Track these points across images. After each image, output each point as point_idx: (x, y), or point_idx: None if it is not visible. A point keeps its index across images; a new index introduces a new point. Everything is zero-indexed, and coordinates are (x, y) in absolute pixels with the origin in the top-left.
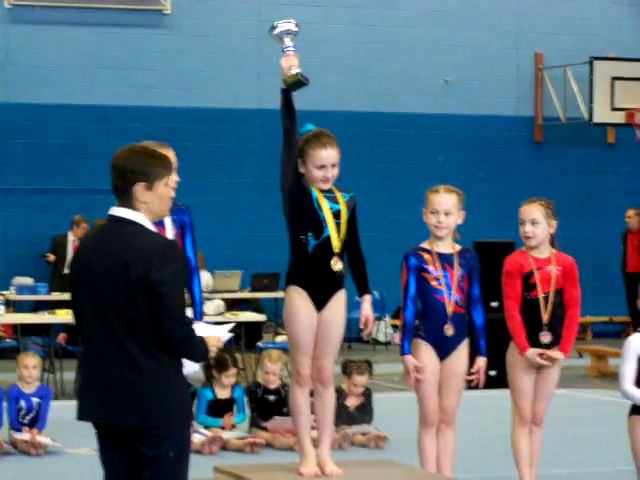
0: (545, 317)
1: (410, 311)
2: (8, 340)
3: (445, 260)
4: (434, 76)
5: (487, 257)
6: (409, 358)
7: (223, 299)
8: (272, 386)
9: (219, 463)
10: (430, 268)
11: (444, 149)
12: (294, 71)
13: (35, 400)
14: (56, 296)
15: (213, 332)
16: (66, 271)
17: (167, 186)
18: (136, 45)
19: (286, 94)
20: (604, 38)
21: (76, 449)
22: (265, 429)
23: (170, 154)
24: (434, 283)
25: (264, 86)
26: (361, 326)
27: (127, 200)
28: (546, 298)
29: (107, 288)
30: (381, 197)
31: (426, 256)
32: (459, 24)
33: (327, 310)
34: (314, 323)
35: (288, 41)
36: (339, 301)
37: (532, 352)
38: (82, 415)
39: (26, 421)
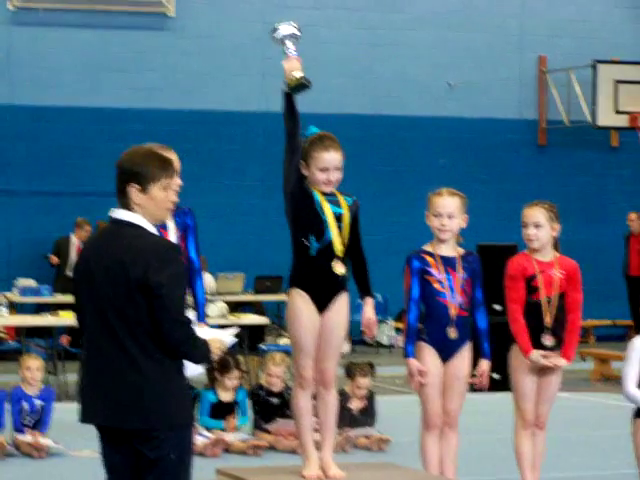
0: (547, 320)
1: (413, 314)
2: (11, 342)
3: (448, 263)
4: (437, 79)
5: (490, 260)
6: (413, 361)
7: (226, 302)
8: (275, 389)
9: (222, 465)
10: (433, 271)
11: (447, 152)
12: (297, 74)
13: (38, 402)
14: (59, 298)
15: (216, 335)
16: (69, 273)
17: (166, 190)
18: (140, 47)
19: (289, 97)
20: (608, 41)
21: (79, 451)
22: (268, 432)
23: (172, 156)
24: (437, 286)
25: (268, 89)
26: (363, 329)
27: (126, 202)
28: (549, 301)
29: (107, 289)
30: (384, 200)
31: (429, 259)
32: (462, 27)
33: (329, 313)
34: (317, 326)
35: (290, 44)
36: (341, 304)
37: (536, 354)
38: (84, 418)
39: (29, 423)
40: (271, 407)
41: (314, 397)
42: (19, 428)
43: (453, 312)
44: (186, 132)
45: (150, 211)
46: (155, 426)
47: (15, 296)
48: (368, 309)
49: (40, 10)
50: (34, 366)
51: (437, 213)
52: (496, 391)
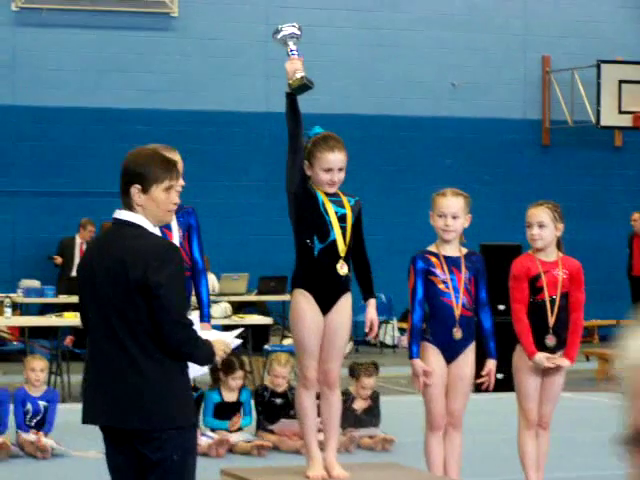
0: (551, 320)
1: (418, 314)
2: (15, 343)
3: (452, 263)
4: (441, 79)
5: (494, 260)
6: (418, 362)
7: (230, 302)
8: (280, 389)
9: (226, 466)
10: (437, 271)
11: (451, 152)
12: (299, 75)
13: (42, 403)
14: (63, 299)
15: (220, 337)
16: (73, 274)
17: (168, 191)
18: (143, 48)
19: (291, 98)
20: (611, 41)
21: (83, 452)
22: (272, 432)
23: (176, 157)
24: (441, 286)
25: (271, 89)
26: (366, 330)
27: (127, 202)
28: (552, 301)
29: (108, 290)
30: (387, 200)
31: (433, 259)
32: (466, 27)
33: (333, 313)
34: (320, 326)
35: (292, 45)
36: (345, 304)
37: (540, 357)
38: (86, 418)
39: (33, 424)
40: (275, 407)
41: (318, 397)
42: (23, 429)
43: (457, 312)
44: (189, 132)
45: (152, 212)
46: (156, 427)
47: (19, 297)
48: (371, 310)
49: (43, 11)
50: (38, 367)
51: (441, 213)
52: (500, 391)
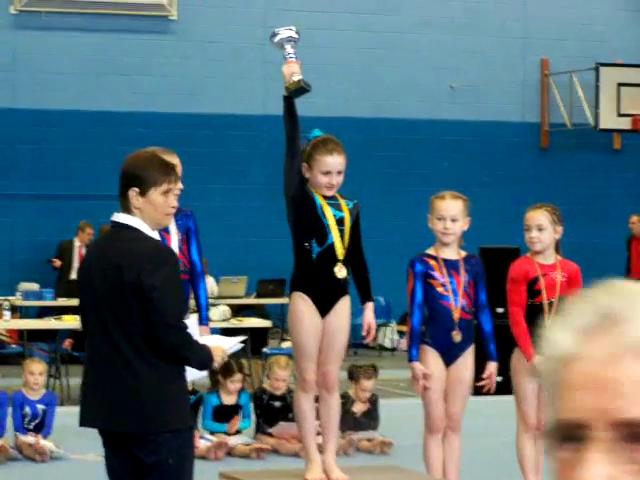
0: (549, 323)
1: (417, 317)
2: (14, 346)
3: (451, 266)
4: (439, 82)
5: (493, 263)
6: (417, 365)
7: (229, 305)
8: (279, 392)
9: (225, 469)
10: (436, 274)
11: (449, 155)
12: (296, 78)
13: (40, 407)
14: (62, 302)
15: (219, 343)
16: (72, 277)
17: (166, 195)
18: (142, 51)
19: (288, 101)
20: (610, 44)
21: (82, 455)
22: (271, 435)
23: (175, 160)
24: (440, 289)
25: (270, 92)
26: (364, 333)
27: (126, 205)
28: (550, 304)
29: (104, 292)
30: (386, 203)
31: (432, 262)
32: (465, 30)
33: (331, 316)
34: (319, 329)
35: (289, 48)
36: (343, 307)
37: (538, 360)
38: (84, 421)
39: (31, 427)
40: (274, 410)
41: (317, 400)
42: (21, 432)
43: (456, 315)
44: (188, 135)
45: (150, 215)
46: (151, 430)
47: (18, 300)
48: (368, 313)
49: (42, 14)
50: (37, 370)
51: (440, 216)
52: (499, 394)
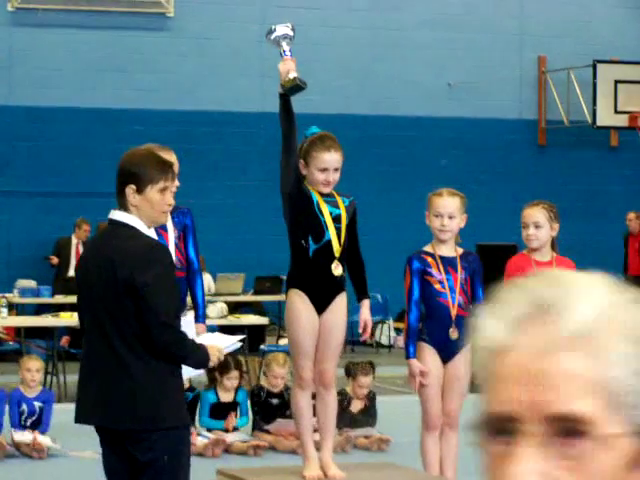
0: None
1: (414, 315)
2: (11, 343)
3: (448, 263)
4: (437, 79)
5: (490, 260)
6: (415, 362)
7: (226, 302)
8: (276, 389)
9: (222, 466)
10: (433, 271)
11: (447, 152)
12: (292, 75)
13: (37, 404)
14: (59, 299)
15: (216, 341)
16: (69, 274)
17: (162, 192)
18: (139, 48)
19: (285, 98)
20: (607, 41)
21: (79, 452)
22: (268, 432)
23: (172, 158)
24: (437, 286)
25: (267, 89)
26: (360, 330)
27: (123, 202)
28: None
29: (99, 289)
30: (384, 200)
31: (429, 259)
32: (462, 27)
33: (328, 313)
34: (315, 326)
35: (285, 45)
36: (340, 304)
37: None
38: (79, 418)
39: (28, 424)
40: (271, 408)
41: (314, 397)
42: (18, 430)
43: (453, 312)
44: (185, 132)
45: (146, 213)
46: (146, 427)
47: (15, 297)
48: (364, 310)
49: (39, 11)
50: (34, 368)
51: (437, 213)
52: None
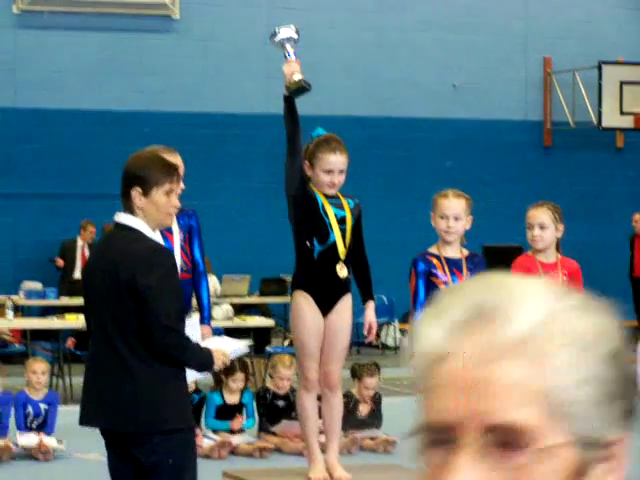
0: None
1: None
2: (17, 345)
3: (453, 265)
4: (442, 81)
5: (496, 262)
6: None
7: (231, 304)
8: (282, 391)
9: (228, 468)
10: (439, 273)
11: (452, 154)
12: (297, 77)
13: (43, 406)
14: (65, 301)
15: (222, 346)
16: (75, 276)
17: (168, 195)
18: (144, 50)
19: (289, 101)
20: (613, 42)
21: (85, 454)
22: (274, 434)
23: (177, 159)
24: (443, 287)
25: (272, 91)
26: (365, 332)
27: (128, 205)
28: None
29: (103, 292)
30: (389, 201)
31: (434, 261)
32: (467, 29)
33: (333, 315)
34: (321, 328)
35: (289, 47)
36: (345, 306)
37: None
38: (83, 420)
39: (34, 426)
40: (277, 409)
41: (319, 399)
42: (24, 432)
43: None
44: (191, 134)
45: (152, 215)
46: (148, 430)
47: (21, 299)
48: (369, 312)
49: (45, 13)
50: (39, 370)
51: (443, 215)
52: None
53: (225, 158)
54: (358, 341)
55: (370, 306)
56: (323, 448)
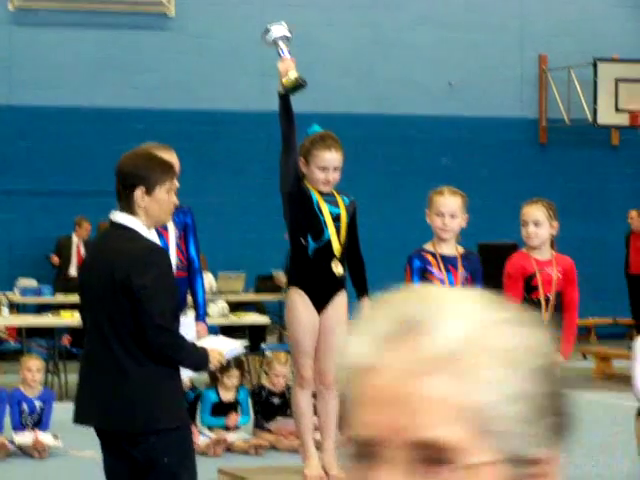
0: (546, 319)
1: None
2: (12, 342)
3: (449, 262)
4: (438, 78)
5: (492, 259)
6: None
7: (227, 301)
8: (277, 389)
9: (223, 465)
10: (434, 270)
11: (448, 151)
12: (292, 74)
13: (38, 403)
14: (60, 298)
15: (218, 345)
16: (70, 273)
17: (169, 192)
18: (140, 48)
19: (284, 98)
20: (608, 40)
21: (80, 452)
22: (269, 431)
23: (173, 157)
24: (438, 285)
25: (267, 88)
26: None
27: (126, 204)
28: (547, 300)
29: (98, 291)
30: (385, 199)
31: (430, 258)
32: (463, 26)
33: (328, 312)
34: (315, 325)
35: (283, 45)
36: (340, 303)
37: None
38: (77, 418)
39: (29, 424)
40: (272, 407)
41: (315, 397)
42: (19, 429)
43: None
44: (186, 132)
45: (154, 213)
46: (142, 429)
47: (16, 296)
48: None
49: (40, 10)
50: (34, 367)
51: (439, 212)
52: None
53: (220, 155)
54: None
55: (365, 303)
56: (318, 445)
